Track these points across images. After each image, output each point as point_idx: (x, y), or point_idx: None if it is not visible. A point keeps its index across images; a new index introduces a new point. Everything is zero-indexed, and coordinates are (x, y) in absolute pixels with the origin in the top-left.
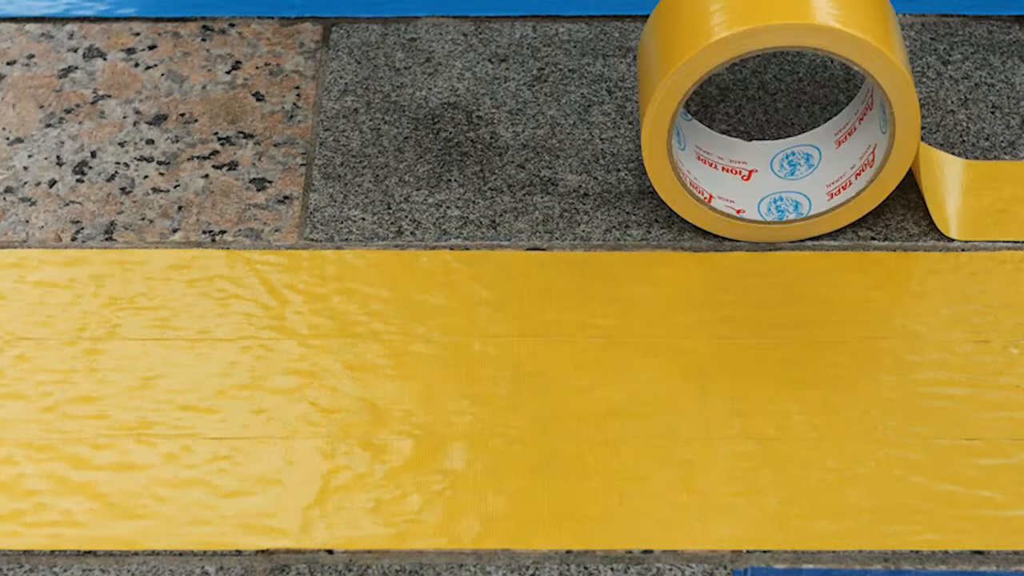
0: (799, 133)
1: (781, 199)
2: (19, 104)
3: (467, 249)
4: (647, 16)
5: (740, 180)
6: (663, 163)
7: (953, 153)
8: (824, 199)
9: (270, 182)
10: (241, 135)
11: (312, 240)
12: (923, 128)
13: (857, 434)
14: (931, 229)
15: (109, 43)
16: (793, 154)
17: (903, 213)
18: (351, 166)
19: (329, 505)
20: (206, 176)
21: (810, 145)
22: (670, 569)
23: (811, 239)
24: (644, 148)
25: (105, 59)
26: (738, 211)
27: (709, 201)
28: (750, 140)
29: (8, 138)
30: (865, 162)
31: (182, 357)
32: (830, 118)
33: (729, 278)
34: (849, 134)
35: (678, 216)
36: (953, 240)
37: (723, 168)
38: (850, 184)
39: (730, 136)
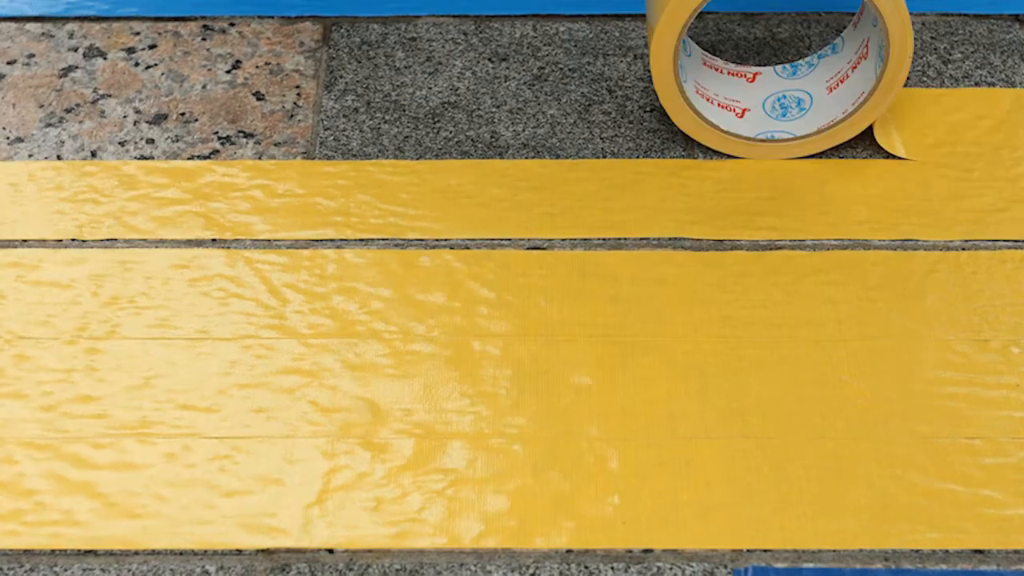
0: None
1: (772, 135)
2: (19, 103)
3: (467, 248)
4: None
5: (735, 117)
6: (669, 74)
7: None
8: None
9: None
10: (241, 134)
11: (313, 237)
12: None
13: (857, 433)
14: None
15: (109, 42)
16: (785, 97)
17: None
18: None
19: (329, 504)
20: None
21: (802, 91)
22: (670, 568)
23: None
24: (653, 57)
25: (105, 58)
26: (736, 134)
27: (713, 103)
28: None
29: (8, 137)
30: (853, 106)
31: (182, 356)
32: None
33: (729, 277)
34: (841, 82)
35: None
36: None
37: (719, 105)
38: (833, 122)
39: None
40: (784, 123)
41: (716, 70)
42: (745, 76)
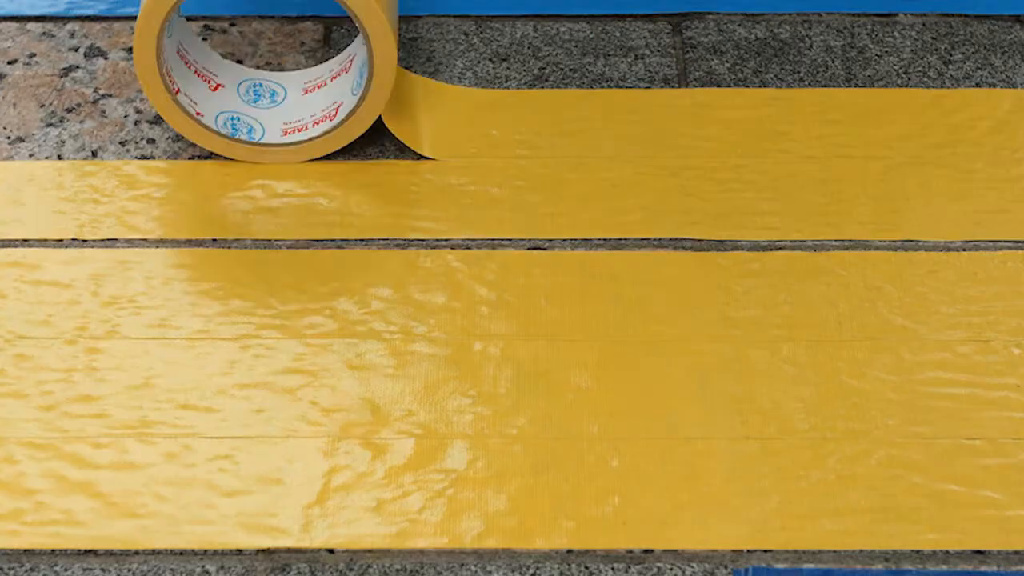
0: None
1: (238, 119)
2: (20, 103)
3: (468, 248)
4: (648, 16)
5: (208, 88)
6: (150, 49)
7: None
8: (278, 134)
9: None
10: None
11: (314, 237)
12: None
13: (858, 434)
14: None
15: (110, 42)
16: (260, 85)
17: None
18: None
19: (330, 504)
20: None
21: (278, 83)
22: (671, 568)
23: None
24: (137, 31)
25: (106, 58)
26: (197, 114)
27: (176, 94)
28: (226, 58)
29: (9, 137)
30: (326, 115)
31: (182, 356)
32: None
33: (729, 278)
34: (318, 87)
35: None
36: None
37: (196, 72)
38: (305, 129)
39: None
40: (254, 109)
41: (185, 64)
42: (209, 83)
